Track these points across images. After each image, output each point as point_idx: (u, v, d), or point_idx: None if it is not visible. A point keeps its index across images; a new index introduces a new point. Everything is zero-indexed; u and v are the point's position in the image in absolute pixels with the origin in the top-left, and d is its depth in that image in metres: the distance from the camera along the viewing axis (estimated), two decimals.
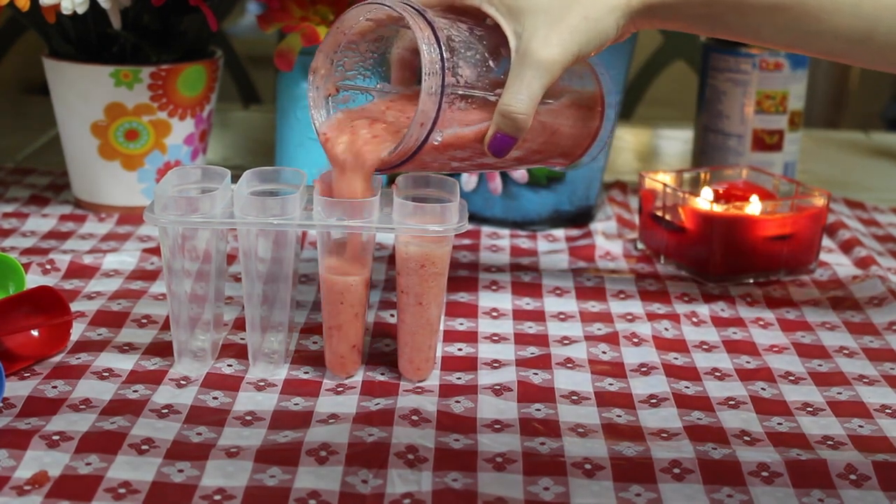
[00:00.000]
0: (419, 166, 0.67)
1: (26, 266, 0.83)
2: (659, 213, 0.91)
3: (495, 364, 0.71)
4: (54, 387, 0.66)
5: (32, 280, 0.81)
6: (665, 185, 0.90)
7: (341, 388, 0.68)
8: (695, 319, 0.79)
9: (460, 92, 0.64)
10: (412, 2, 0.65)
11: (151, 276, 0.84)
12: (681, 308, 0.82)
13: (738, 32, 0.69)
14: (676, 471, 0.59)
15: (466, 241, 0.95)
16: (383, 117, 0.68)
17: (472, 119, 0.66)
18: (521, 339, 0.76)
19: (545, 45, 0.64)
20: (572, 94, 0.72)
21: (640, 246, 0.94)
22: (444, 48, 0.63)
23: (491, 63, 0.66)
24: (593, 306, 0.82)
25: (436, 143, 0.65)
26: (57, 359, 0.70)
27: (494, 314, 0.80)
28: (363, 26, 0.67)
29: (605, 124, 0.74)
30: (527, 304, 0.82)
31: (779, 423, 0.65)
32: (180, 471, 0.57)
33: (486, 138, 0.66)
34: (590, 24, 0.65)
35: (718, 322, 0.79)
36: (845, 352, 0.75)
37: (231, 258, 0.84)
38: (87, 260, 0.86)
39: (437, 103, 0.63)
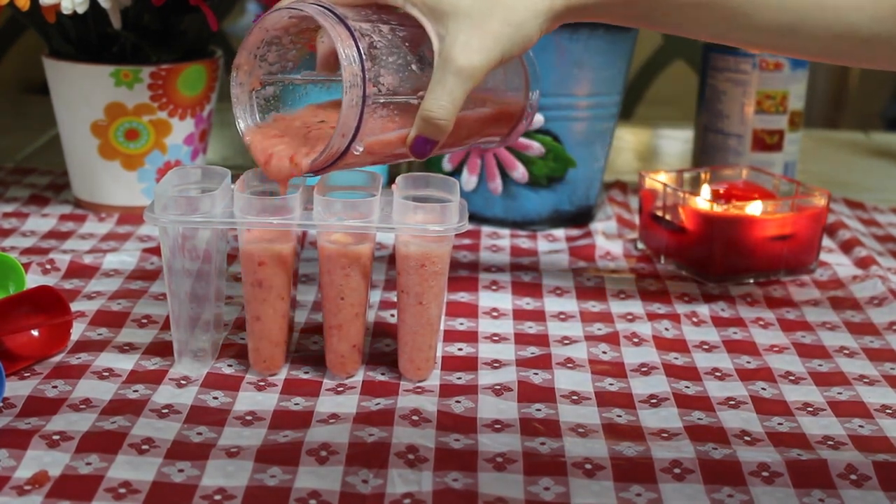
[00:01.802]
0: (342, 167, 0.67)
1: (26, 266, 0.83)
2: (659, 213, 0.91)
3: (496, 364, 0.71)
4: (54, 387, 0.66)
5: (32, 280, 0.81)
6: (665, 185, 0.90)
7: (341, 388, 0.68)
8: (695, 319, 0.79)
9: (382, 100, 0.64)
10: (334, 6, 0.65)
11: (151, 276, 0.84)
12: (681, 308, 0.82)
13: (662, 27, 0.69)
14: (677, 471, 0.59)
15: (466, 241, 0.95)
16: (310, 125, 0.68)
17: (394, 124, 0.66)
18: (521, 339, 0.76)
19: (467, 50, 0.64)
20: (498, 85, 0.72)
21: (641, 246, 0.94)
22: (364, 59, 0.63)
23: (414, 66, 0.66)
24: (594, 306, 0.82)
25: (357, 153, 0.65)
26: (57, 359, 0.70)
27: (495, 314, 0.80)
28: (286, 23, 0.67)
29: (530, 102, 0.74)
30: (527, 303, 0.82)
31: (779, 423, 0.65)
32: (181, 471, 0.57)
33: (408, 140, 0.66)
34: (512, 30, 0.64)
35: (719, 322, 0.79)
36: (846, 352, 0.75)
37: (231, 258, 0.84)
38: (88, 260, 0.86)
39: (357, 115, 0.63)
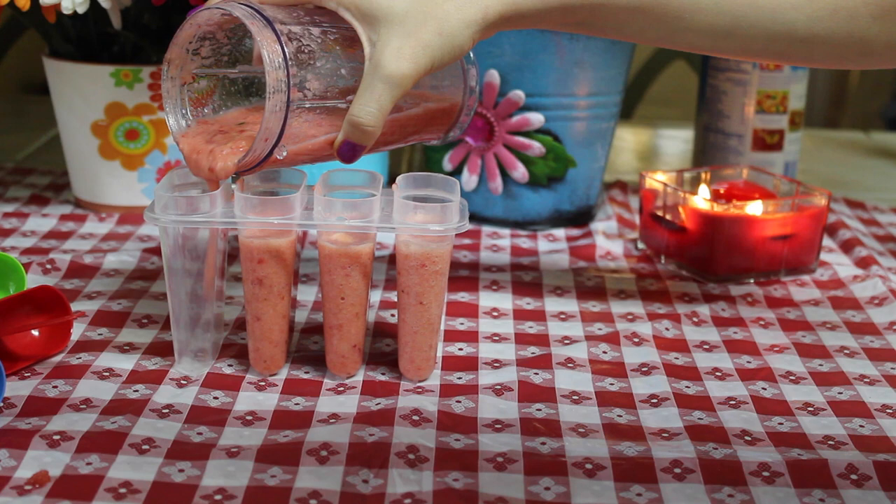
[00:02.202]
0: (269, 168, 0.67)
1: (27, 266, 0.83)
2: (659, 213, 0.91)
3: (496, 364, 0.71)
4: (55, 386, 0.66)
5: (33, 280, 0.81)
6: (665, 184, 0.90)
7: (342, 388, 0.68)
8: (695, 319, 0.79)
9: (307, 105, 0.64)
10: (264, 7, 0.64)
11: (151, 275, 0.84)
12: (681, 308, 0.82)
13: (601, 32, 0.69)
14: (677, 470, 0.59)
15: (467, 241, 0.95)
16: (237, 129, 0.68)
17: (321, 128, 0.65)
18: (521, 339, 0.76)
19: (397, 58, 0.63)
20: (432, 84, 0.72)
21: (641, 246, 0.94)
22: (290, 64, 0.62)
23: (343, 71, 0.65)
24: (594, 306, 0.82)
25: (280, 158, 0.64)
26: (57, 358, 0.70)
27: (495, 314, 0.80)
28: (219, 20, 0.66)
29: (466, 101, 0.73)
30: (527, 303, 0.82)
31: (780, 423, 0.65)
32: (181, 470, 0.57)
33: (336, 144, 0.65)
34: (444, 40, 0.64)
35: (719, 322, 0.79)
36: (846, 351, 0.75)
37: (231, 258, 0.84)
38: (88, 260, 0.86)
39: (280, 120, 0.62)
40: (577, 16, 0.66)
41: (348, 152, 0.65)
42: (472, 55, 0.72)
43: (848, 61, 0.68)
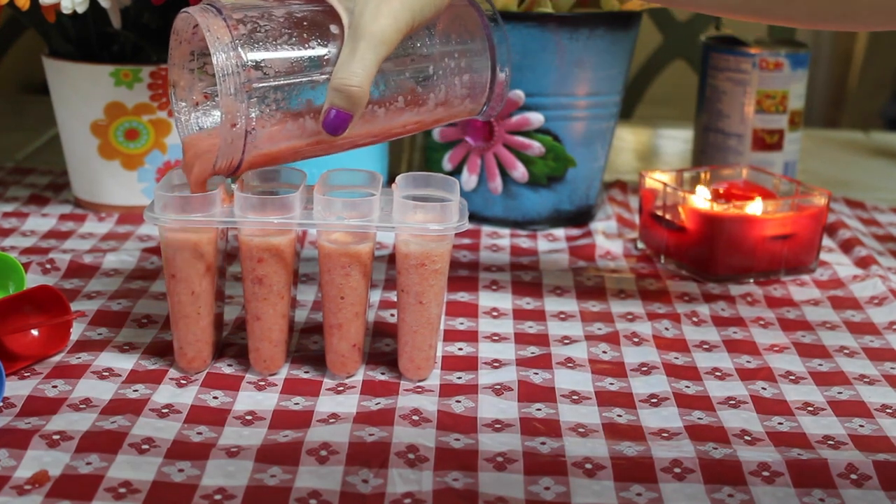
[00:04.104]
0: (271, 161, 0.66)
1: (26, 265, 0.83)
2: (659, 213, 0.91)
3: (496, 363, 0.71)
4: (54, 386, 0.66)
5: (32, 279, 0.81)
6: (665, 184, 0.90)
7: (342, 388, 0.68)
8: (695, 319, 0.79)
9: (273, 83, 0.62)
10: (224, 3, 0.63)
11: (151, 275, 0.84)
12: (681, 307, 0.82)
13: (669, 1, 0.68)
14: (677, 470, 0.59)
15: (466, 241, 0.95)
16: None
17: (300, 110, 0.64)
18: (521, 339, 0.76)
19: (376, 17, 0.62)
20: (457, 54, 0.70)
21: (641, 245, 0.94)
22: (238, 44, 0.61)
23: (315, 43, 0.64)
24: (594, 306, 0.82)
25: (253, 141, 0.63)
26: (57, 358, 0.70)
27: (495, 314, 0.80)
28: (195, 28, 0.66)
29: (496, 76, 0.71)
30: (527, 303, 0.82)
31: (779, 423, 0.65)
32: (181, 470, 0.57)
33: (321, 116, 0.64)
34: None
35: (719, 321, 0.79)
36: (846, 351, 0.75)
37: (231, 258, 0.84)
38: (87, 259, 0.86)
39: (241, 101, 0.61)
40: None
41: (334, 122, 0.63)
42: (509, 72, 0.71)
43: (829, 22, 0.66)
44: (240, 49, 0.61)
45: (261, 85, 0.62)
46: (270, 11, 0.64)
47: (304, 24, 0.64)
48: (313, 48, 0.64)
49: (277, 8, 0.64)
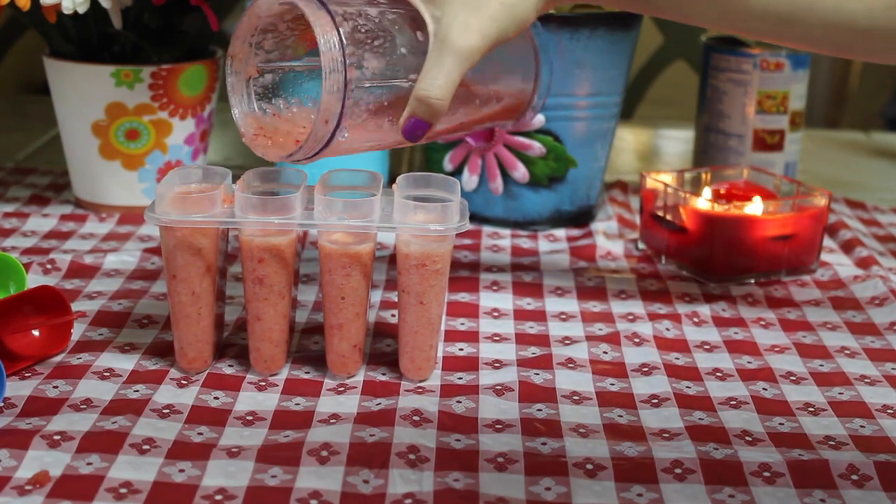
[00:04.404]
0: (333, 154, 0.67)
1: (27, 266, 0.83)
2: (660, 213, 0.91)
3: (496, 364, 0.71)
4: (55, 387, 0.66)
5: (33, 280, 0.81)
6: (666, 185, 0.90)
7: (342, 388, 0.67)
8: (696, 319, 0.79)
9: (367, 85, 0.63)
10: None
11: (152, 275, 0.84)
12: (682, 308, 0.82)
13: (662, 12, 0.69)
14: (678, 471, 0.59)
15: (467, 241, 0.95)
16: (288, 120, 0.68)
17: (384, 110, 0.65)
18: (522, 339, 0.76)
19: (465, 31, 0.64)
20: (502, 59, 0.72)
21: (642, 246, 0.94)
22: (345, 43, 0.62)
23: (404, 50, 0.65)
24: (594, 306, 0.82)
25: (342, 140, 0.64)
26: (58, 359, 0.70)
27: (495, 314, 0.80)
28: (279, 9, 0.66)
29: (541, 79, 0.73)
30: (528, 304, 0.82)
31: (780, 424, 0.65)
32: (181, 471, 0.57)
33: (401, 122, 0.66)
34: (507, 10, 0.65)
35: (720, 322, 0.79)
36: (847, 352, 0.75)
37: (231, 258, 0.84)
38: (88, 260, 0.86)
39: (339, 100, 0.62)
40: None
41: (413, 129, 0.66)
42: (551, 51, 0.73)
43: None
44: (345, 48, 0.62)
45: (359, 86, 0.63)
46: (365, 10, 0.65)
47: (396, 27, 0.65)
48: (403, 55, 0.65)
49: (369, 6, 0.65)
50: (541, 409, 0.65)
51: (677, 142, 1.41)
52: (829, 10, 0.65)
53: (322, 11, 0.63)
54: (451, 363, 0.71)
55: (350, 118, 0.63)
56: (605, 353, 0.73)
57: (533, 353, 0.73)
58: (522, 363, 0.71)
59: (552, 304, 0.82)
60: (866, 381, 0.71)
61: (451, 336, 0.76)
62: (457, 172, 0.98)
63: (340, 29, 0.62)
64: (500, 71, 0.72)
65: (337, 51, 0.62)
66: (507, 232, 0.98)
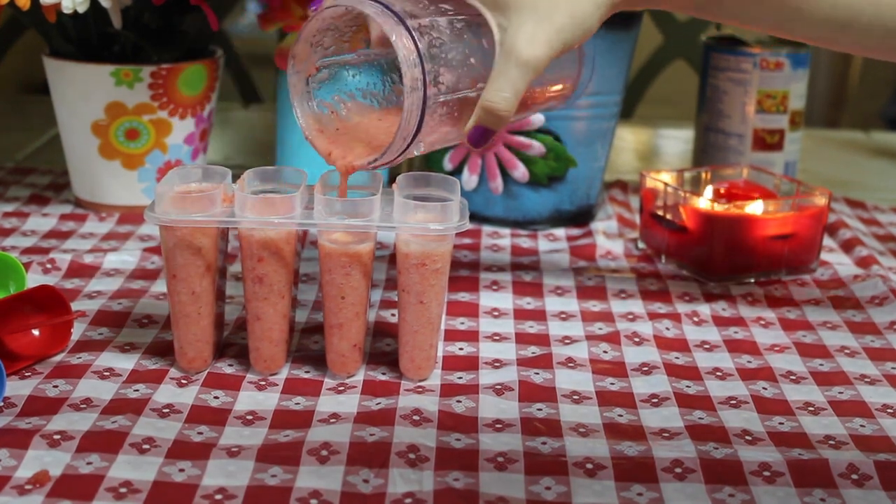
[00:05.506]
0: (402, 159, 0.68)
1: (27, 265, 0.83)
2: (660, 213, 0.91)
3: (496, 363, 0.71)
4: (55, 386, 0.66)
5: (33, 279, 0.81)
6: (666, 184, 0.90)
7: (342, 388, 0.67)
8: (696, 319, 0.79)
9: (441, 99, 0.64)
10: (392, 1, 0.65)
11: (152, 275, 0.84)
12: (682, 307, 0.82)
13: (718, 17, 0.70)
14: (678, 470, 0.59)
15: (467, 241, 0.95)
16: (371, 128, 0.69)
17: (452, 118, 0.66)
18: (522, 339, 0.76)
19: (532, 43, 0.64)
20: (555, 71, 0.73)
21: (641, 245, 0.94)
22: (424, 60, 0.63)
23: (473, 59, 0.66)
24: (594, 306, 0.82)
25: (418, 153, 0.66)
26: (58, 358, 0.70)
27: (495, 314, 0.80)
28: (343, 12, 0.67)
29: (583, 77, 0.75)
30: (528, 303, 0.82)
31: (780, 423, 0.65)
32: (181, 470, 0.57)
33: (467, 129, 0.67)
34: (576, 22, 0.66)
35: (720, 321, 0.79)
36: (846, 351, 0.75)
37: (231, 258, 0.84)
38: (88, 259, 0.86)
39: (418, 118, 0.63)
40: None
41: (479, 137, 0.67)
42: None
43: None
44: (425, 64, 0.63)
45: (436, 100, 0.64)
46: (435, 21, 0.65)
47: (464, 37, 0.66)
48: (473, 65, 0.66)
49: (438, 14, 0.66)
50: (541, 409, 0.65)
51: (677, 141, 1.41)
52: (887, 17, 0.66)
53: (400, 27, 0.63)
54: (450, 363, 0.71)
55: (427, 130, 0.65)
56: (605, 352, 0.73)
57: (533, 353, 0.73)
58: (522, 363, 0.71)
59: (552, 304, 0.82)
60: (866, 380, 0.71)
61: (451, 335, 0.76)
62: (457, 172, 0.98)
63: (420, 44, 0.63)
64: (551, 71, 0.73)
65: (418, 69, 0.63)
66: (506, 231, 0.98)
